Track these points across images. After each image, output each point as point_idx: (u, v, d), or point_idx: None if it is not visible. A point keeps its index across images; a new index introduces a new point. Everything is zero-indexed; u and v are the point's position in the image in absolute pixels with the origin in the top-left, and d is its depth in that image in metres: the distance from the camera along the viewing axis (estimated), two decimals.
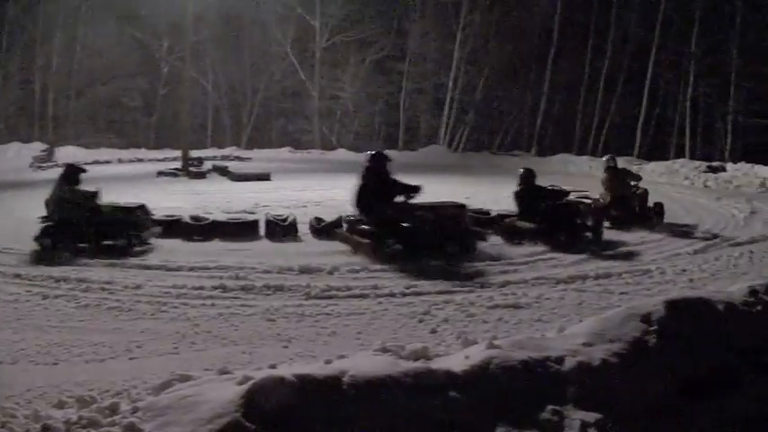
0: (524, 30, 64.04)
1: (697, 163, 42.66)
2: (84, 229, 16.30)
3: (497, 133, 68.05)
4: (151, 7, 64.87)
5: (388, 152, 17.89)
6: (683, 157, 50.44)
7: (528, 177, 19.44)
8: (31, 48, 64.71)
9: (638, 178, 21.88)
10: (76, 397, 7.11)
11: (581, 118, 62.13)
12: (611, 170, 22.06)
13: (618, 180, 21.63)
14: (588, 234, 18.55)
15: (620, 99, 59.74)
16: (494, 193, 28.73)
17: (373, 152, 18.19)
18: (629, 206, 20.89)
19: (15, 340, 9.60)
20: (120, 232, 16.28)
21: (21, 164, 48.08)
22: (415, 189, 16.88)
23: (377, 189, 16.58)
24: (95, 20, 67.66)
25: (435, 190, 28.37)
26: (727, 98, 54.60)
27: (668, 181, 38.17)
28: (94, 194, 17.46)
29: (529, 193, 18.79)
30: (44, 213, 18.70)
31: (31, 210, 21.98)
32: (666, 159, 46.86)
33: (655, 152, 53.29)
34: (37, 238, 16.15)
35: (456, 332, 9.80)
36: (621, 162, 37.66)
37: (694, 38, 54.58)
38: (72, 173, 17.66)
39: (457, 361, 6.61)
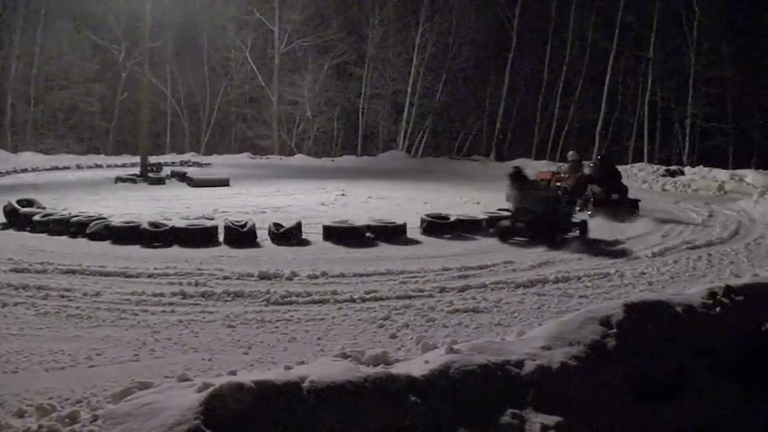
0: (483, 35, 64.23)
1: (655, 167, 43.09)
2: None
3: (456, 138, 68.42)
4: (110, 12, 64.79)
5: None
6: (642, 160, 50.90)
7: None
8: None
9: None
10: (36, 405, 7.06)
11: (539, 122, 62.50)
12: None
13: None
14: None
15: (579, 103, 60.09)
16: (452, 199, 28.77)
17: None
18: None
19: None
20: None
21: None
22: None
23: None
24: (54, 24, 67.46)
25: (394, 195, 28.50)
26: (685, 102, 55.12)
27: (626, 184, 38.39)
28: None
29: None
30: None
31: None
32: (625, 163, 47.17)
33: (613, 156, 53.63)
34: None
35: (416, 337, 9.82)
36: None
37: (652, 42, 55.01)
38: None
39: (417, 366, 6.64)
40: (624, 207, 23.43)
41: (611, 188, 23.21)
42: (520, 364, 6.68)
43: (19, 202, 21.66)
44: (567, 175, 24.36)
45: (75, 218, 19.62)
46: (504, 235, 18.89)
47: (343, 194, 30.11)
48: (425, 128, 66.44)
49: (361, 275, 13.99)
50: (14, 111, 66.02)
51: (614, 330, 7.28)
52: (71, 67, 68.91)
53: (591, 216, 22.22)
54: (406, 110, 65.25)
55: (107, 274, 14.06)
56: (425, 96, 65.64)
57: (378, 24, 66.74)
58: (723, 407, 7.19)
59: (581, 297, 12.40)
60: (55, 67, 68.05)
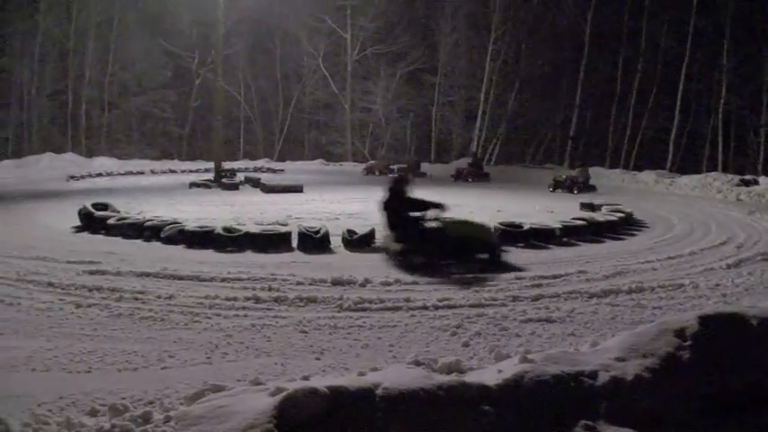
0: (555, 42, 63.92)
1: (730, 176, 42.45)
2: None
3: (529, 146, 68.05)
4: (183, 20, 65.31)
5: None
6: (716, 170, 50.18)
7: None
8: (64, 59, 65.14)
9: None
10: (109, 405, 7.16)
11: (613, 131, 61.96)
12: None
13: None
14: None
15: (653, 112, 59.52)
16: (526, 207, 28.64)
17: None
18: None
19: (49, 348, 9.62)
20: None
21: (54, 174, 48.28)
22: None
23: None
24: (128, 32, 68.23)
25: (467, 203, 28.43)
26: (759, 111, 54.35)
27: (701, 195, 38.10)
28: None
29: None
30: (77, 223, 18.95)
31: (63, 220, 22.22)
32: (699, 173, 46.57)
33: (687, 166, 53.09)
34: None
35: (489, 346, 9.79)
36: (653, 175, 37.74)
37: (725, 49, 54.35)
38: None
39: (490, 375, 6.61)
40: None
41: None
42: (593, 375, 6.63)
43: (94, 205, 22.00)
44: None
45: (150, 222, 19.86)
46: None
47: None
48: (498, 135, 66.24)
49: (435, 283, 14.00)
50: (89, 117, 66.94)
51: (689, 342, 7.16)
52: (145, 74, 69.81)
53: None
54: (478, 117, 65.20)
55: (180, 278, 14.17)
56: (498, 104, 65.49)
57: (450, 32, 66.69)
58: None
59: (655, 308, 12.25)
60: (128, 74, 68.94)
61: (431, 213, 16.86)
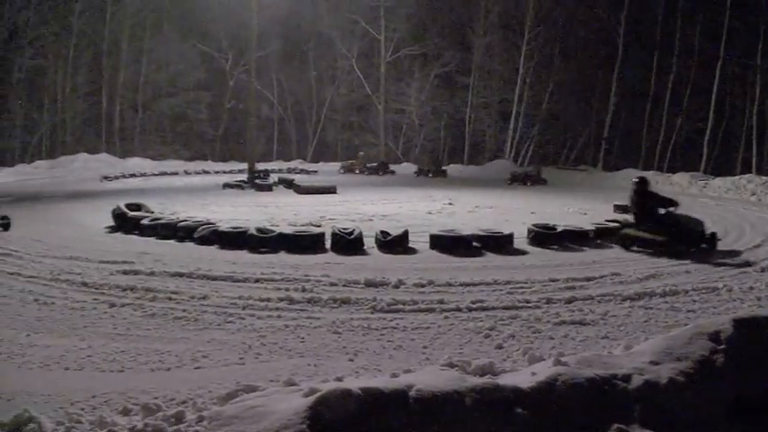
0: (589, 43, 63.68)
1: (764, 178, 42.05)
2: None
3: (563, 148, 67.83)
4: (216, 21, 65.55)
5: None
6: (750, 172, 49.70)
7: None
8: (98, 61, 65.44)
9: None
10: (142, 404, 7.23)
11: (647, 132, 61.65)
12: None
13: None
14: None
15: (687, 113, 59.10)
16: (559, 209, 28.57)
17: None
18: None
19: (82, 347, 9.73)
20: None
21: (87, 174, 48.62)
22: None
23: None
24: (162, 34, 68.47)
25: (501, 205, 28.42)
26: None
27: (735, 197, 37.86)
28: None
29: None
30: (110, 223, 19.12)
31: (97, 220, 22.35)
32: (733, 175, 46.18)
33: (721, 167, 52.73)
34: None
35: (522, 348, 9.76)
36: (687, 177, 37.54)
37: (760, 49, 53.91)
38: None
39: (524, 377, 6.60)
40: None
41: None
42: (627, 378, 6.61)
43: (128, 206, 22.13)
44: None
45: (183, 222, 20.00)
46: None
47: (450, 203, 30.09)
48: (532, 137, 66.11)
49: (468, 285, 13.97)
50: (123, 118, 67.23)
51: (723, 346, 7.13)
52: (178, 76, 70.11)
53: None
54: (512, 119, 65.05)
55: (214, 278, 14.27)
56: (532, 105, 65.35)
57: (483, 33, 66.52)
58: None
59: (689, 311, 12.17)
60: (162, 76, 69.29)
61: (670, 209, 18.96)
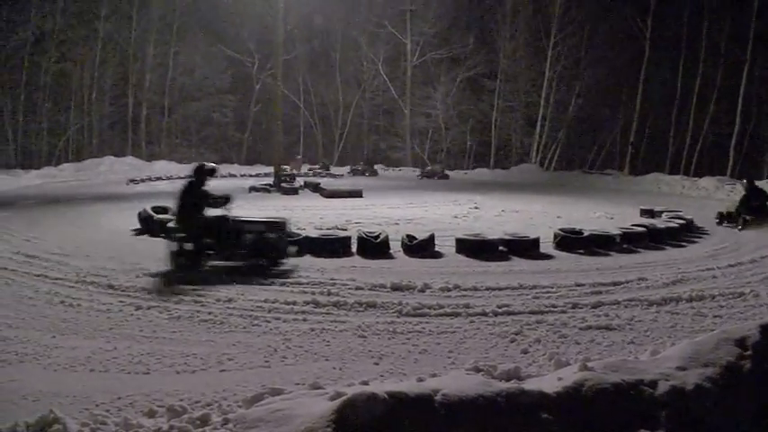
0: (616, 47, 63.49)
1: None
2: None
3: (590, 152, 67.64)
4: (243, 25, 65.75)
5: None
6: None
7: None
8: (124, 64, 65.73)
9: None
10: (167, 406, 7.24)
11: (673, 137, 61.39)
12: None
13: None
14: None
15: (713, 117, 58.77)
16: (585, 213, 28.51)
17: (749, 179, 21.82)
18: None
19: (108, 349, 9.77)
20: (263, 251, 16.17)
21: (114, 177, 48.86)
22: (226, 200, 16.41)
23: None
24: (187, 37, 68.69)
25: (526, 209, 28.37)
26: None
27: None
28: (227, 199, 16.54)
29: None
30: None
31: (123, 223, 22.43)
32: (760, 179, 45.82)
33: (748, 172, 52.41)
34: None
35: (548, 353, 9.74)
36: (713, 182, 37.54)
37: None
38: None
39: (550, 382, 6.58)
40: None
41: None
42: (653, 384, 6.58)
43: (153, 208, 22.13)
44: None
45: None
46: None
47: (476, 207, 30.06)
48: (558, 141, 65.96)
49: (494, 289, 13.93)
50: (149, 121, 67.48)
51: (750, 352, 7.09)
52: (204, 80, 70.38)
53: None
54: (538, 123, 65.00)
55: (239, 282, 14.24)
56: (558, 109, 65.16)
57: (509, 37, 66.47)
58: None
59: (715, 317, 12.11)
60: (188, 79, 69.53)
61: None
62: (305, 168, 60.55)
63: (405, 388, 6.10)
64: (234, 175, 54.46)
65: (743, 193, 27.16)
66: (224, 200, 16.37)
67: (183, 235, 15.81)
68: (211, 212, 16.24)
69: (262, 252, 16.05)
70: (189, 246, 15.69)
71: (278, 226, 16.88)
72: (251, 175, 53.64)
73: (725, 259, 18.07)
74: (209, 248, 15.96)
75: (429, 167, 64.11)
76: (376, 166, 63.84)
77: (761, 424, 6.69)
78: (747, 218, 25.53)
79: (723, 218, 26.62)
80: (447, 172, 61.91)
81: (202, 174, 16.56)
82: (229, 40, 69.59)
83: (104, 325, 10.97)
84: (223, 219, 16.25)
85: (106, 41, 63.85)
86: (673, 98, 61.34)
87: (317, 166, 61.69)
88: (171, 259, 15.59)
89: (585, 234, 19.69)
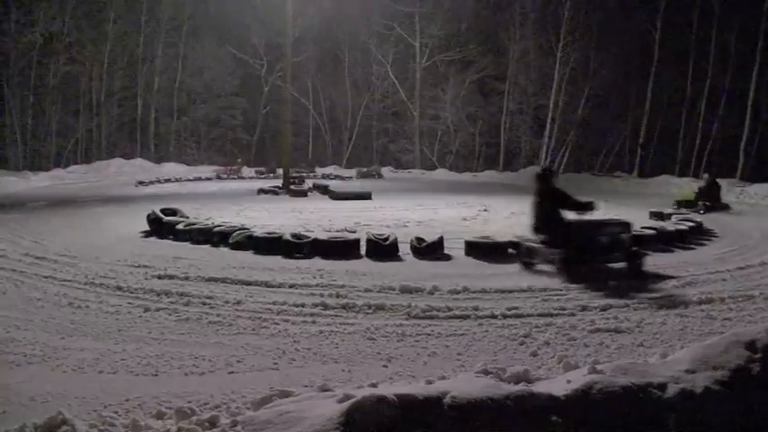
0: (625, 49, 63.48)
1: None
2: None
3: (599, 154, 67.62)
4: (252, 28, 65.93)
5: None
6: None
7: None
8: (133, 66, 65.97)
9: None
10: (175, 408, 7.23)
11: (683, 139, 61.31)
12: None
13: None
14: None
15: (723, 119, 58.66)
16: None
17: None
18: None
19: (116, 351, 9.76)
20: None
21: (122, 179, 49.01)
22: (588, 206, 16.59)
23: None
24: (196, 40, 68.95)
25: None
26: None
27: None
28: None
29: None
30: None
31: (132, 224, 22.46)
32: None
33: (758, 174, 52.26)
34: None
35: (557, 356, 9.71)
36: (723, 184, 37.72)
37: None
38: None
39: (559, 385, 6.57)
40: None
41: None
42: (662, 387, 6.56)
43: (162, 210, 22.23)
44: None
45: (218, 228, 20.05)
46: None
47: (485, 210, 30.03)
48: (568, 143, 65.95)
49: (503, 292, 13.88)
50: (158, 123, 67.76)
51: (759, 355, 7.08)
52: (213, 82, 70.80)
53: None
54: (547, 125, 65.03)
55: (249, 284, 14.30)
56: (567, 112, 65.15)
57: (518, 39, 66.53)
58: None
59: (725, 319, 12.04)
60: (197, 82, 69.89)
61: None
62: (250, 172, 59.99)
63: (413, 390, 6.10)
64: (243, 177, 54.66)
65: (703, 184, 34.14)
66: (588, 205, 16.63)
67: (546, 240, 16.44)
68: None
69: (618, 254, 16.54)
70: (557, 252, 15.97)
71: (627, 226, 17.28)
72: (259, 177, 53.77)
73: (734, 262, 17.99)
74: (579, 253, 16.16)
75: (365, 169, 65.22)
76: (383, 169, 63.97)
77: None
78: (708, 203, 32.02)
79: (680, 205, 32.33)
80: (382, 171, 64.27)
81: (551, 176, 17.51)
82: (238, 42, 69.86)
83: (113, 327, 10.97)
84: (584, 222, 16.69)
85: (115, 43, 64.03)
86: (682, 100, 61.27)
87: (302, 171, 59.85)
88: (561, 268, 15.86)
89: None
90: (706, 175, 35.90)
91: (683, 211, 29.70)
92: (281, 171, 56.62)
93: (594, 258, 16.48)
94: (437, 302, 12.76)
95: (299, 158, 67.10)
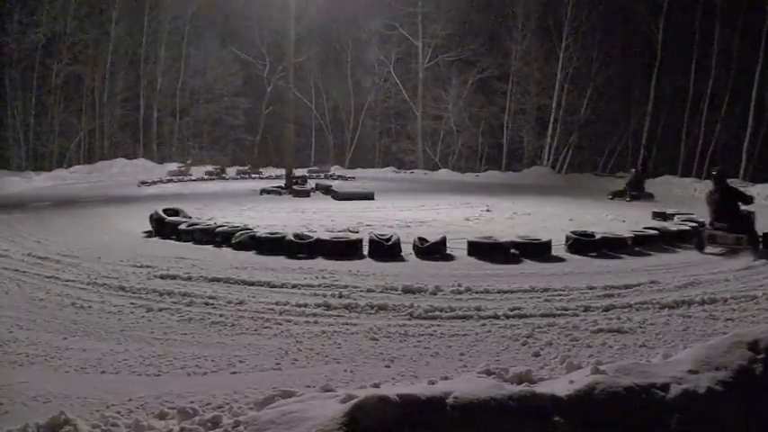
0: (627, 49, 63.42)
1: None
2: None
3: (601, 154, 67.52)
4: (254, 28, 65.91)
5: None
6: None
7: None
8: (135, 66, 65.95)
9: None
10: (178, 408, 7.24)
11: (685, 139, 61.19)
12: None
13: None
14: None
15: (725, 118, 58.54)
16: (598, 216, 28.42)
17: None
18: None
19: (118, 351, 9.78)
20: None
21: (125, 179, 49.05)
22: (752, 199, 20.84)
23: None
24: (199, 40, 68.94)
25: (538, 211, 28.32)
26: None
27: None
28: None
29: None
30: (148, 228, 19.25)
31: (134, 224, 22.48)
32: None
33: (761, 174, 52.12)
34: None
35: (560, 356, 9.70)
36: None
37: None
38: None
39: (561, 385, 6.56)
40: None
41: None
42: (665, 387, 6.55)
43: (165, 211, 22.20)
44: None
45: (221, 228, 20.06)
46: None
47: (487, 210, 30.00)
48: (570, 143, 65.85)
49: (505, 292, 13.89)
50: (160, 123, 67.76)
51: (762, 355, 7.07)
52: (216, 82, 70.75)
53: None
54: (550, 125, 64.86)
55: (251, 284, 14.33)
56: (570, 112, 65.05)
57: (521, 39, 66.43)
58: None
59: (727, 320, 12.05)
60: (200, 82, 69.83)
61: None
62: (201, 171, 58.61)
63: (416, 391, 6.08)
64: (245, 177, 54.64)
65: (631, 176, 41.02)
66: (752, 198, 20.95)
67: (726, 227, 19.71)
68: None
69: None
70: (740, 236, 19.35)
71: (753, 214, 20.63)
72: (262, 178, 53.70)
73: (737, 262, 18.00)
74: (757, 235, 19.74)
75: (316, 167, 64.87)
76: (386, 169, 63.86)
77: None
78: (634, 193, 38.36)
79: (615, 195, 38.89)
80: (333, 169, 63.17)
81: (726, 175, 21.74)
82: (241, 42, 69.84)
83: (115, 327, 10.99)
84: (752, 212, 20.60)
85: (117, 44, 64.04)
86: (685, 100, 61.13)
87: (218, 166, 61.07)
88: (752, 248, 19.15)
89: (597, 237, 19.64)
90: (633, 170, 43.95)
91: (617, 200, 37.86)
92: (262, 170, 56.86)
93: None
94: (440, 303, 12.77)
95: (299, 159, 67.16)
